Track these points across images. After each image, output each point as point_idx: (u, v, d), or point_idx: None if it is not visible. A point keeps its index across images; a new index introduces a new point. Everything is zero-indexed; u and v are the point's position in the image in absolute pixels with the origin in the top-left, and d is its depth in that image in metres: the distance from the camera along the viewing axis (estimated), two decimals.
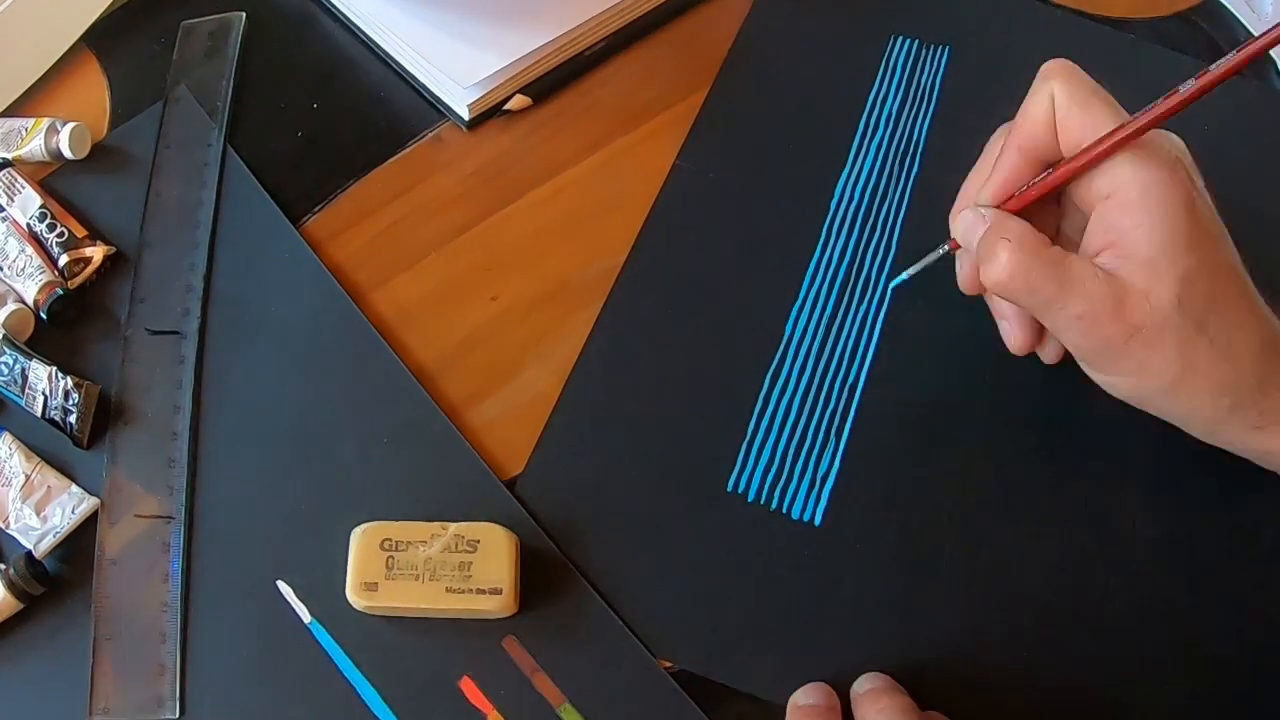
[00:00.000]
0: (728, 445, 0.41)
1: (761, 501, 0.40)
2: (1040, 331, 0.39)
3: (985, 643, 0.38)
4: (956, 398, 0.43)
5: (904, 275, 0.42)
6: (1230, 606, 0.38)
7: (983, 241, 0.35)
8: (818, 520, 0.40)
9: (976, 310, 0.42)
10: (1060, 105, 0.35)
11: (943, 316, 0.44)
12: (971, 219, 0.37)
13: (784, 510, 0.40)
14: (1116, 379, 0.35)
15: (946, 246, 0.40)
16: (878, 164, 0.49)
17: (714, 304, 0.44)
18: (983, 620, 0.38)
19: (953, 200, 0.42)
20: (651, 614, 0.37)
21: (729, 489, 0.40)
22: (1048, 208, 0.38)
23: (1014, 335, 0.39)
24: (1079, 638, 0.38)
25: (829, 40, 0.53)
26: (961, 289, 0.40)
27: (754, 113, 0.50)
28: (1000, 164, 0.37)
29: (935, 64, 0.52)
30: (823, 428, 0.42)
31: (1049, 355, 0.40)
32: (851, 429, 0.42)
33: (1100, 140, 0.34)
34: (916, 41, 0.53)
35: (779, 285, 0.45)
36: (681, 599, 0.38)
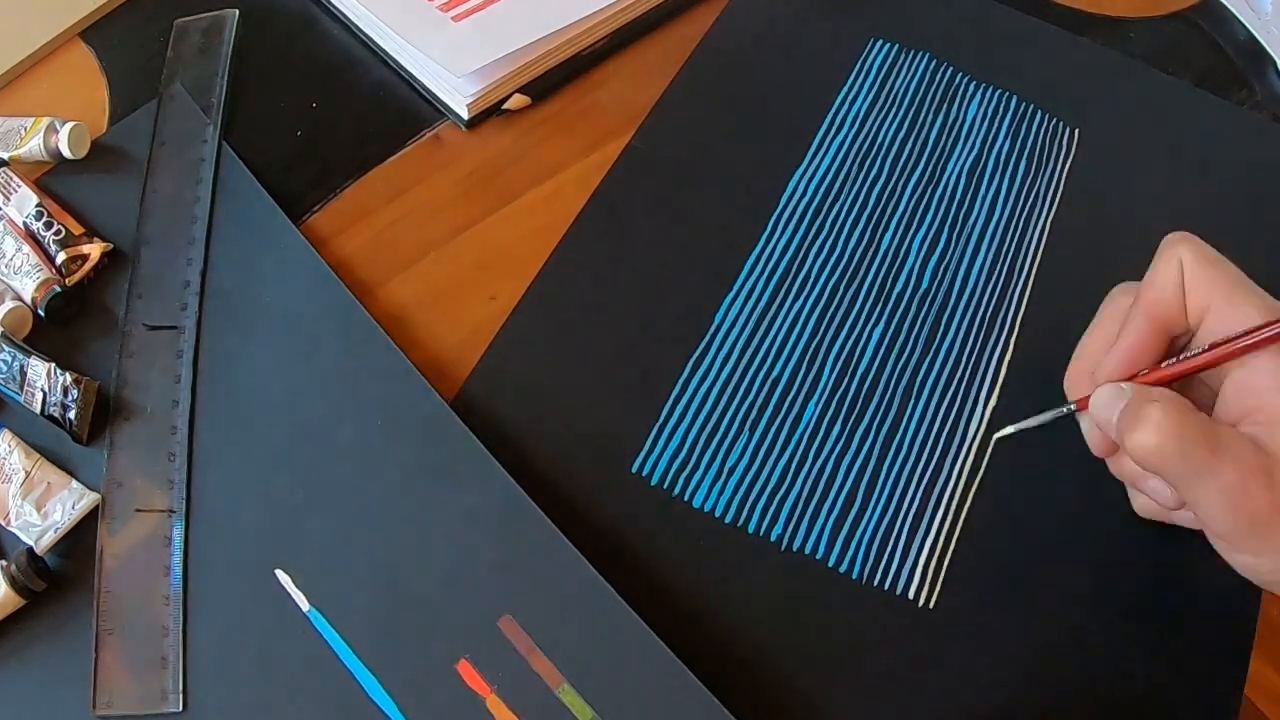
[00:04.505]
0: (639, 426, 0.42)
1: (665, 486, 0.41)
2: None
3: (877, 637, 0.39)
4: (893, 387, 0.44)
5: (1011, 430, 0.41)
6: None
7: (1127, 411, 0.35)
8: (718, 511, 0.41)
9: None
10: (1189, 268, 0.36)
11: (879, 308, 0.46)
12: (1111, 395, 0.36)
13: (686, 498, 0.41)
14: (1259, 559, 0.34)
15: (1072, 407, 0.39)
16: (836, 163, 0.50)
17: (647, 284, 0.46)
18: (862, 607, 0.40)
19: (907, 206, 0.45)
20: None
21: (634, 469, 0.42)
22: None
23: (1169, 490, 0.37)
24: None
25: (806, 36, 0.55)
26: (1093, 451, 0.39)
27: (718, 99, 0.52)
28: (1127, 330, 0.37)
29: (912, 69, 0.54)
30: (737, 420, 0.43)
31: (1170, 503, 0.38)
32: (766, 423, 0.43)
33: (1255, 330, 0.34)
34: (897, 46, 0.55)
35: (716, 273, 0.47)
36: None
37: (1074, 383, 0.40)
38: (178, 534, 0.39)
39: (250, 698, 0.36)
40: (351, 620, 0.37)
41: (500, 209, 0.49)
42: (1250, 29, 0.58)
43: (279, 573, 0.38)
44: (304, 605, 0.38)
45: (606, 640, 0.37)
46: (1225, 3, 0.59)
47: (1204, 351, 0.35)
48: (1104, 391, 0.37)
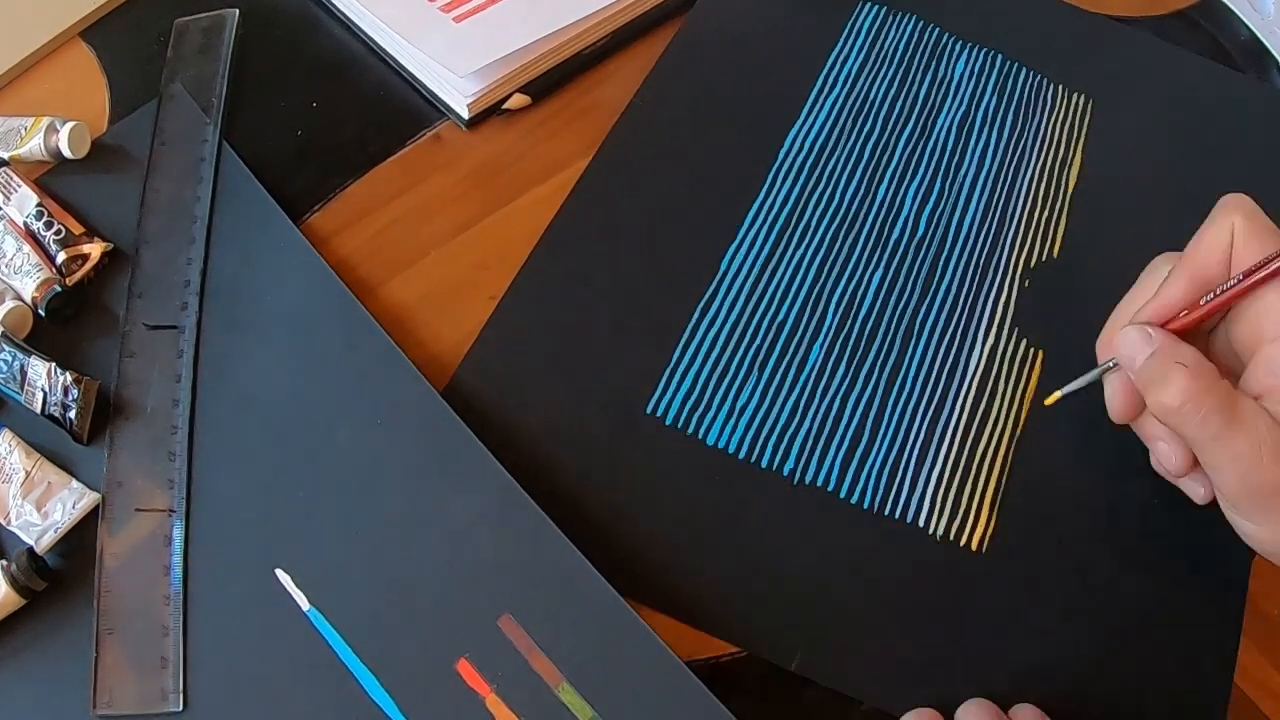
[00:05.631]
0: (652, 369, 0.44)
1: (679, 426, 0.43)
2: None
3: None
4: (894, 328, 0.46)
5: (1059, 393, 0.42)
6: None
7: (1151, 363, 0.36)
8: (731, 448, 0.43)
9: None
10: (1239, 236, 0.36)
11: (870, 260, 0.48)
12: (1136, 338, 0.37)
13: (700, 435, 0.43)
14: (1261, 528, 0.36)
15: (1112, 364, 0.40)
16: (830, 119, 0.52)
17: (655, 235, 0.48)
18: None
19: (900, 159, 0.48)
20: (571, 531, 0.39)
21: (648, 411, 0.43)
22: (1199, 339, 0.39)
23: (1175, 457, 0.38)
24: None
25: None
26: (1112, 416, 0.40)
27: (716, 59, 0.54)
28: (1166, 287, 0.38)
29: (900, 30, 0.56)
30: (746, 362, 0.45)
31: (1199, 495, 0.39)
32: (774, 365, 0.45)
33: (1268, 260, 0.35)
34: (885, 8, 0.57)
35: (719, 224, 0.49)
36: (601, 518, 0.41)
37: (1109, 343, 0.40)
38: (178, 534, 0.39)
39: (250, 697, 0.36)
40: (351, 620, 0.38)
41: (500, 208, 0.49)
42: (1252, 28, 0.58)
43: (279, 573, 0.39)
44: (304, 605, 0.38)
45: (606, 639, 0.37)
46: (1227, 2, 0.59)
47: (1218, 296, 0.36)
48: (1130, 332, 0.38)
